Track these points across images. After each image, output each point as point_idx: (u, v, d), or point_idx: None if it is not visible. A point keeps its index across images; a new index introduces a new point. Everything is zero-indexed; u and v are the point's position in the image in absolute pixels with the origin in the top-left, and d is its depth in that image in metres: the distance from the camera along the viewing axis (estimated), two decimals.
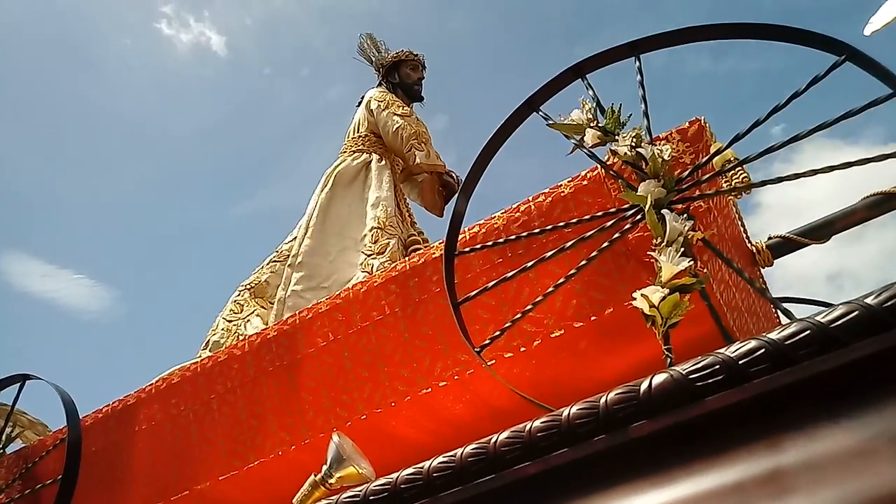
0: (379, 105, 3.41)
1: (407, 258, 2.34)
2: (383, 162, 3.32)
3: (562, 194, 1.96)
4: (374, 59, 3.79)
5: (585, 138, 1.78)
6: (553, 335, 1.88)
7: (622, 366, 1.98)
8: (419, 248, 3.01)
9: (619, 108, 1.76)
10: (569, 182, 1.97)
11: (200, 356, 2.61)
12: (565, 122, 1.86)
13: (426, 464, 1.31)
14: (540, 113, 1.96)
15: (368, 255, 2.84)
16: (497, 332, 1.72)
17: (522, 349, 1.91)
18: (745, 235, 2.24)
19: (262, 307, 2.81)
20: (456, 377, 1.97)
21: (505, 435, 1.32)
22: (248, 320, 2.76)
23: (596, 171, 1.93)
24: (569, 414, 1.22)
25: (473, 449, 1.29)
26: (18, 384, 2.57)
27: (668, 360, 1.42)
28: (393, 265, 2.18)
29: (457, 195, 1.95)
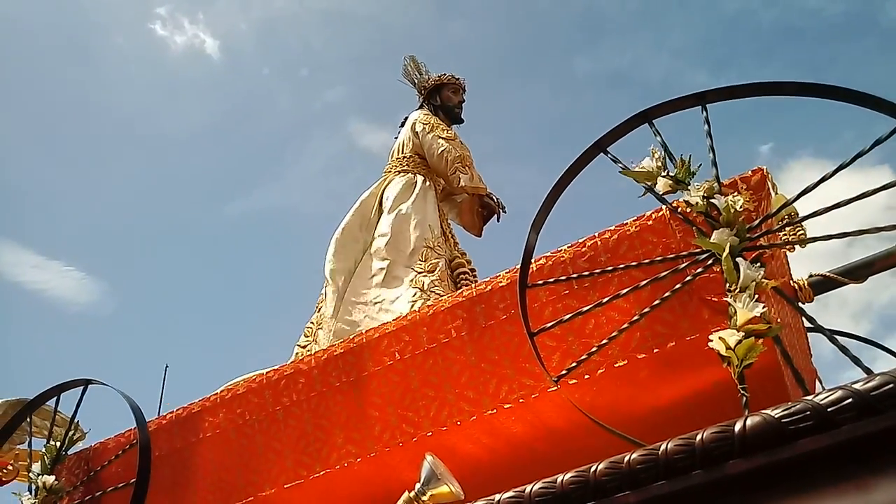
0: (424, 128, 3.54)
1: (471, 284, 2.46)
2: (428, 183, 3.44)
3: (627, 232, 2.08)
4: (416, 80, 3.91)
5: (657, 186, 1.91)
6: (616, 364, 2.01)
7: (675, 395, 2.11)
8: (464, 270, 3.15)
9: (689, 158, 1.89)
10: (634, 221, 2.09)
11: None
12: (636, 168, 2.00)
13: (528, 487, 1.43)
14: (608, 155, 2.09)
15: (419, 273, 2.96)
16: (574, 364, 1.85)
17: (586, 376, 2.03)
18: (790, 275, 2.38)
19: (323, 328, 2.94)
20: (521, 400, 2.09)
21: (604, 465, 1.44)
22: (316, 340, 2.89)
23: (661, 213, 2.06)
24: (666, 448, 1.35)
25: (573, 477, 1.41)
26: (81, 388, 2.67)
27: (744, 399, 1.55)
28: (459, 291, 2.30)
29: (529, 230, 2.08)
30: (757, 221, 1.80)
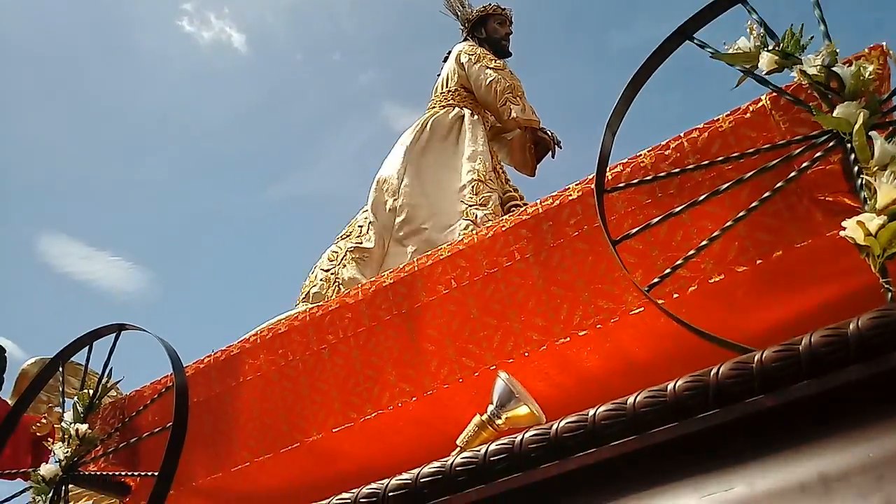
0: (470, 58, 3.27)
1: (540, 202, 2.21)
2: (476, 117, 3.18)
3: (720, 129, 1.80)
4: (459, 13, 3.64)
5: (761, 64, 1.62)
6: (711, 280, 1.73)
7: (775, 320, 1.83)
8: (517, 205, 2.89)
9: (801, 27, 1.59)
10: (727, 116, 1.81)
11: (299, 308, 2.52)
12: (729, 51, 1.71)
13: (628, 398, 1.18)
14: (695, 41, 1.81)
15: (470, 205, 2.71)
16: (668, 270, 1.58)
17: (675, 296, 1.76)
18: None
19: (355, 255, 2.71)
20: (598, 326, 1.83)
21: (684, 380, 1.20)
22: (344, 265, 2.66)
23: (760, 104, 1.77)
24: (761, 357, 1.09)
25: (687, 382, 1.16)
26: (114, 334, 2.50)
27: (889, 293, 1.27)
28: (522, 209, 2.04)
29: (604, 132, 1.80)
30: (887, 95, 1.50)
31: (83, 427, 2.33)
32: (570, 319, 1.87)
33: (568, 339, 1.86)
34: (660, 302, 1.79)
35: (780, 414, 1.12)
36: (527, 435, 1.23)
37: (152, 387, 2.51)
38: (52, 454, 2.32)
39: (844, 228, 1.34)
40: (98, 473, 2.36)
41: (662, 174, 1.71)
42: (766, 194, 1.51)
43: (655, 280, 1.59)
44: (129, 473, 2.23)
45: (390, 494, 1.32)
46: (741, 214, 1.53)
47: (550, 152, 3.26)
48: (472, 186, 2.77)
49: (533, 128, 3.22)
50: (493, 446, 1.25)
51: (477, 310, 1.99)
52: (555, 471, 1.19)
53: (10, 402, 3.43)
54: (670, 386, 1.15)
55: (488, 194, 2.75)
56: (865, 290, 1.54)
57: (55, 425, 3.16)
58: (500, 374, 1.43)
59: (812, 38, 1.60)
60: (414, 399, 2.02)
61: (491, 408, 1.40)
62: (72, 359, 2.78)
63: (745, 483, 1.05)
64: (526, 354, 1.90)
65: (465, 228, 2.57)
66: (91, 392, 2.45)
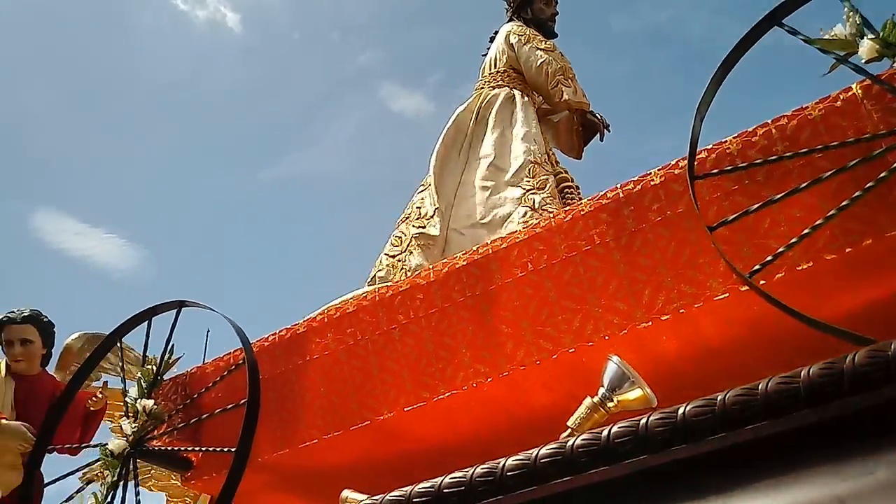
0: (520, 39, 3.25)
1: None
2: (526, 98, 3.17)
3: (809, 117, 1.80)
4: None
5: (861, 51, 1.62)
6: (800, 267, 1.75)
7: (851, 306, 1.85)
8: (570, 185, 2.89)
9: None
10: (816, 104, 1.81)
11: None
12: (825, 36, 1.71)
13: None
14: (786, 28, 1.81)
15: (528, 191, 2.72)
16: (770, 258, 1.59)
17: (762, 282, 1.77)
18: None
19: (421, 242, 2.71)
20: (682, 311, 1.85)
21: (818, 367, 1.21)
22: (410, 252, 2.67)
23: (850, 93, 1.77)
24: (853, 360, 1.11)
25: (779, 383, 1.17)
26: (175, 311, 2.51)
27: None
28: (602, 193, 2.04)
29: (694, 117, 1.81)
30: None
31: (149, 403, 2.34)
32: (653, 304, 1.89)
33: (650, 322, 1.88)
34: (743, 289, 1.81)
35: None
36: (652, 418, 1.25)
37: (215, 364, 2.53)
38: (116, 429, 2.33)
39: None
40: (164, 449, 2.38)
41: (759, 161, 1.72)
42: (870, 184, 1.52)
43: (757, 267, 1.60)
44: (205, 449, 2.24)
45: (508, 474, 1.34)
46: (845, 203, 1.54)
47: (599, 135, 3.26)
48: (529, 169, 2.77)
49: (582, 110, 3.22)
50: (615, 428, 1.27)
51: (555, 293, 2.00)
52: (684, 454, 1.21)
53: (55, 376, 3.45)
54: (804, 372, 1.17)
55: (545, 177, 2.75)
56: None
57: (109, 401, 3.18)
58: (611, 358, 1.44)
59: None
60: (489, 380, 2.04)
61: (602, 390, 1.42)
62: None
63: (886, 468, 1.07)
64: (606, 338, 1.92)
65: (524, 216, 2.58)
66: (153, 368, 2.47)
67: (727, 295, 1.81)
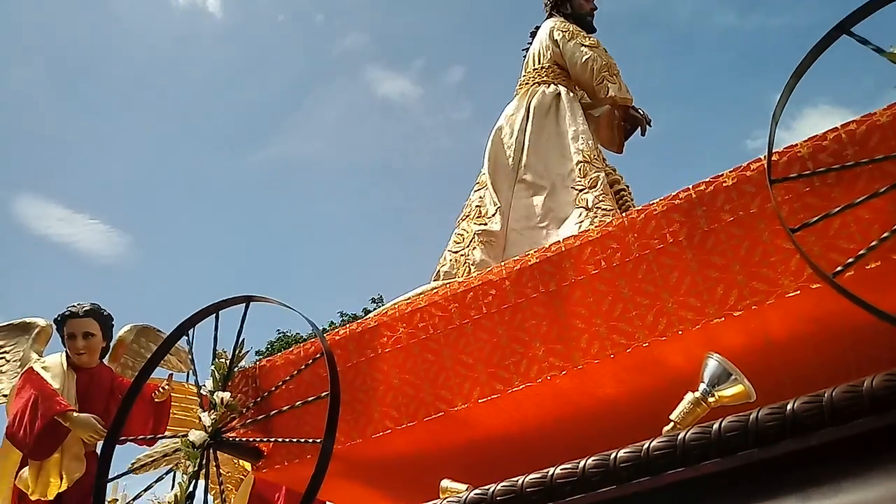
0: (564, 35, 3.32)
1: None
2: (571, 94, 3.24)
3: (878, 122, 1.89)
4: None
5: None
6: (868, 266, 1.84)
7: None
8: (621, 186, 2.98)
9: None
10: (885, 110, 1.90)
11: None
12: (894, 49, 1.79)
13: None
14: (854, 37, 1.88)
15: (580, 191, 2.80)
16: (852, 259, 1.69)
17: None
18: None
19: (483, 239, 2.80)
20: (754, 307, 1.94)
21: (881, 377, 1.31)
22: (473, 248, 2.76)
23: None
24: None
25: (884, 380, 1.27)
26: (243, 305, 2.59)
27: None
28: (673, 194, 2.13)
29: (770, 122, 1.89)
30: None
31: (226, 395, 2.44)
32: (726, 300, 1.98)
33: (723, 318, 1.97)
34: (815, 286, 1.90)
35: None
36: (762, 413, 1.35)
37: (285, 357, 2.62)
38: (200, 419, 2.42)
39: None
40: (240, 439, 2.48)
41: (836, 166, 1.80)
42: None
43: (839, 268, 1.69)
44: (290, 440, 2.33)
45: (621, 465, 1.43)
46: None
47: (641, 130, 3.33)
48: (580, 168, 2.85)
49: (625, 106, 3.29)
50: (725, 422, 1.36)
51: (628, 289, 2.09)
52: (793, 446, 1.31)
53: (111, 367, 3.54)
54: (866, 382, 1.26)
55: (595, 174, 2.84)
56: None
57: (173, 393, 3.27)
58: (711, 354, 1.54)
59: None
60: (563, 373, 2.13)
61: (703, 386, 1.51)
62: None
63: None
64: (679, 333, 2.01)
65: (579, 217, 2.66)
66: (226, 362, 2.55)
67: (798, 292, 1.90)
